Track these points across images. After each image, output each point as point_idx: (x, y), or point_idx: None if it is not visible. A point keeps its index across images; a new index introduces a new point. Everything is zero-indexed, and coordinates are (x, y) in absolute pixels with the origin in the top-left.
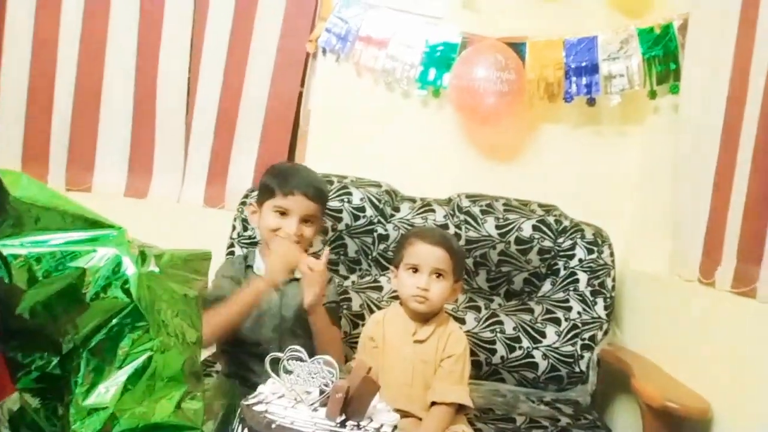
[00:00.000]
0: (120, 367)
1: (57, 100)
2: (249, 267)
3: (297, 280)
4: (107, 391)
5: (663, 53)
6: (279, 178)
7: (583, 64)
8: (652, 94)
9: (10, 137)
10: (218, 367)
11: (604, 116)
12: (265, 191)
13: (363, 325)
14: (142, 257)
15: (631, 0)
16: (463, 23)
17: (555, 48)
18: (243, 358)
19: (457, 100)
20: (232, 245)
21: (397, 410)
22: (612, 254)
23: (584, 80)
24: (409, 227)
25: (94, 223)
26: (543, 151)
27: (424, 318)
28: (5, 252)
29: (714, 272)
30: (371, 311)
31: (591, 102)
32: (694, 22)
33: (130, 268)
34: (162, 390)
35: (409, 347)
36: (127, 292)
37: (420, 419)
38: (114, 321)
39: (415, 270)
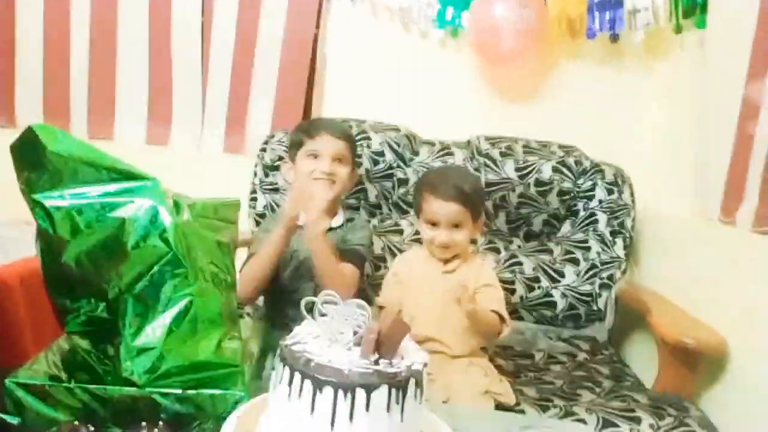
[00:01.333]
0: (164, 311)
1: (73, 52)
2: None
3: (333, 229)
4: (154, 332)
5: None
6: (305, 127)
7: None
8: (678, 29)
9: (30, 92)
10: (247, 309)
11: (627, 53)
12: (295, 144)
13: (385, 267)
14: (177, 207)
15: None
16: None
17: None
18: (281, 304)
19: (475, 40)
20: (254, 191)
21: (428, 339)
22: (632, 194)
23: (608, 15)
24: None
25: (129, 175)
26: (563, 90)
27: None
28: (47, 204)
29: (735, 212)
30: (392, 254)
31: (614, 38)
32: None
33: (166, 218)
34: (203, 331)
35: (439, 278)
36: (165, 241)
37: (450, 353)
38: (155, 268)
39: (434, 224)
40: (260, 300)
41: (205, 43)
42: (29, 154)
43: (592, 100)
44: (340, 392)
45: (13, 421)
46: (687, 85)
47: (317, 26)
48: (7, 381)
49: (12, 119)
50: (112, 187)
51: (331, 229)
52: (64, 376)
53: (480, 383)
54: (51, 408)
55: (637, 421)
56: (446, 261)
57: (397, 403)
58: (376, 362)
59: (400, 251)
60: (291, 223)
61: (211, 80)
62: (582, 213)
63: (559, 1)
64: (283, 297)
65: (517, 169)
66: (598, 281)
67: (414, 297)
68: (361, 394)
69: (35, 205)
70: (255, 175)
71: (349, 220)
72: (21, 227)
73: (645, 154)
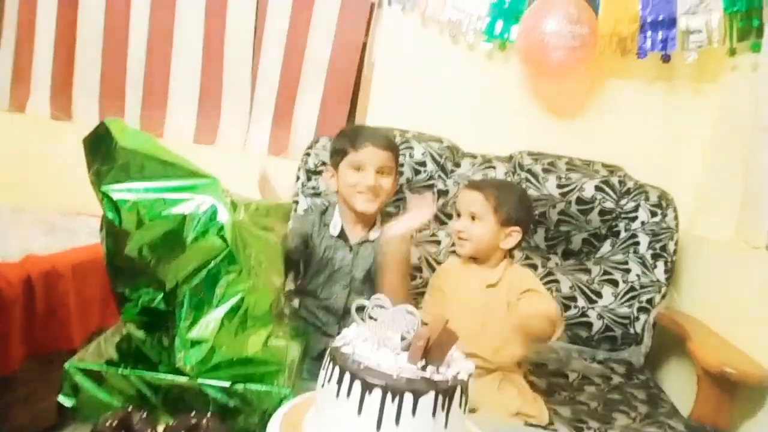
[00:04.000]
0: (217, 305)
1: (131, 50)
2: (325, 226)
3: (370, 242)
4: (207, 325)
5: (746, 8)
6: (349, 137)
7: (660, 17)
8: (732, 52)
9: (87, 87)
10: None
11: (678, 74)
12: (338, 153)
13: (421, 277)
14: (233, 206)
15: None
16: None
17: (631, 0)
18: (313, 308)
19: (524, 54)
20: (296, 194)
21: (466, 353)
22: (676, 218)
23: (660, 35)
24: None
25: (191, 173)
26: (611, 108)
27: (490, 263)
28: (115, 197)
29: None
30: (429, 265)
31: (666, 58)
32: None
33: (224, 216)
34: (252, 328)
35: (480, 293)
36: (222, 238)
37: (486, 366)
38: (212, 264)
39: (458, 215)
40: (296, 303)
41: (257, 47)
42: (100, 147)
43: (640, 120)
44: (389, 395)
45: (69, 403)
46: (738, 109)
47: (366, 34)
48: (66, 364)
49: (69, 112)
50: (176, 183)
51: (368, 241)
52: (119, 362)
53: (512, 404)
54: (106, 392)
55: None
56: (488, 267)
57: (443, 409)
58: (424, 368)
59: (437, 262)
60: None
61: (260, 84)
62: (623, 234)
63: (611, 19)
64: (316, 302)
65: (559, 186)
66: (636, 304)
67: (454, 310)
68: (408, 398)
69: (103, 197)
70: (298, 178)
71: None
72: (73, 217)
73: (691, 177)
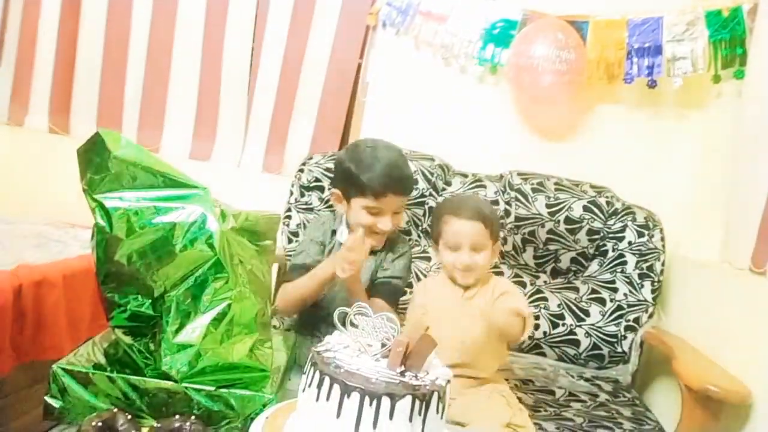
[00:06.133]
0: (204, 312)
1: (130, 67)
2: (333, 232)
3: (372, 254)
4: (194, 331)
5: (730, 37)
6: (367, 172)
7: (647, 45)
8: (716, 79)
9: (86, 103)
10: (275, 322)
11: (664, 99)
12: (350, 185)
13: (410, 292)
14: (223, 216)
15: None
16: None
17: (618, 27)
18: (315, 320)
19: (514, 78)
20: (289, 210)
21: (454, 365)
22: (663, 239)
23: (646, 62)
24: None
25: (182, 183)
26: (599, 132)
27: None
28: (108, 204)
29: (766, 262)
30: (419, 280)
31: (652, 84)
32: (764, 6)
33: (213, 225)
34: (238, 335)
35: (459, 305)
36: (211, 247)
37: (469, 377)
38: (199, 271)
39: (455, 248)
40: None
41: (254, 67)
42: (94, 156)
43: (626, 143)
44: (367, 398)
45: (56, 404)
46: (722, 134)
47: (361, 56)
48: (54, 366)
49: (66, 127)
50: (167, 192)
51: (372, 253)
52: (106, 366)
53: (503, 415)
54: (92, 395)
55: None
56: (466, 288)
57: (420, 414)
58: (402, 374)
59: (427, 277)
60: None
61: (256, 102)
62: (611, 254)
63: (598, 45)
64: (318, 314)
65: (548, 206)
66: (623, 323)
67: (436, 325)
68: (386, 402)
69: (96, 204)
70: (291, 194)
71: (392, 244)
72: (64, 229)
73: (677, 199)
